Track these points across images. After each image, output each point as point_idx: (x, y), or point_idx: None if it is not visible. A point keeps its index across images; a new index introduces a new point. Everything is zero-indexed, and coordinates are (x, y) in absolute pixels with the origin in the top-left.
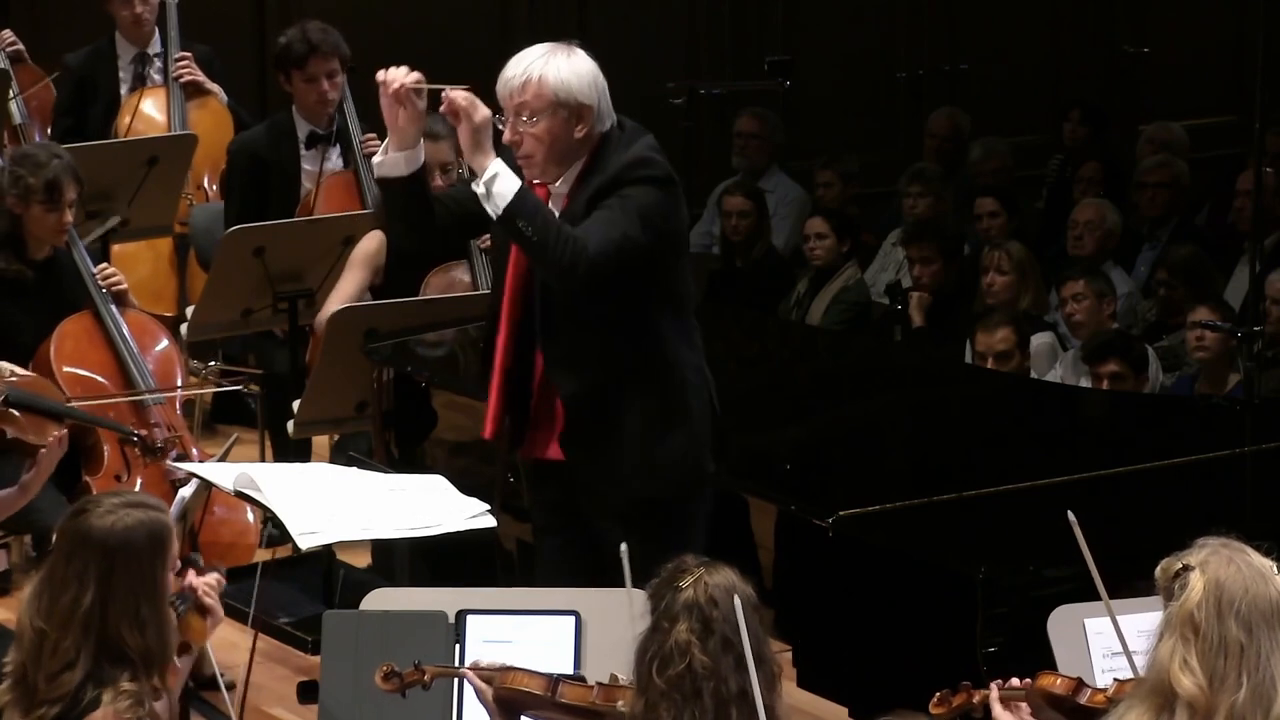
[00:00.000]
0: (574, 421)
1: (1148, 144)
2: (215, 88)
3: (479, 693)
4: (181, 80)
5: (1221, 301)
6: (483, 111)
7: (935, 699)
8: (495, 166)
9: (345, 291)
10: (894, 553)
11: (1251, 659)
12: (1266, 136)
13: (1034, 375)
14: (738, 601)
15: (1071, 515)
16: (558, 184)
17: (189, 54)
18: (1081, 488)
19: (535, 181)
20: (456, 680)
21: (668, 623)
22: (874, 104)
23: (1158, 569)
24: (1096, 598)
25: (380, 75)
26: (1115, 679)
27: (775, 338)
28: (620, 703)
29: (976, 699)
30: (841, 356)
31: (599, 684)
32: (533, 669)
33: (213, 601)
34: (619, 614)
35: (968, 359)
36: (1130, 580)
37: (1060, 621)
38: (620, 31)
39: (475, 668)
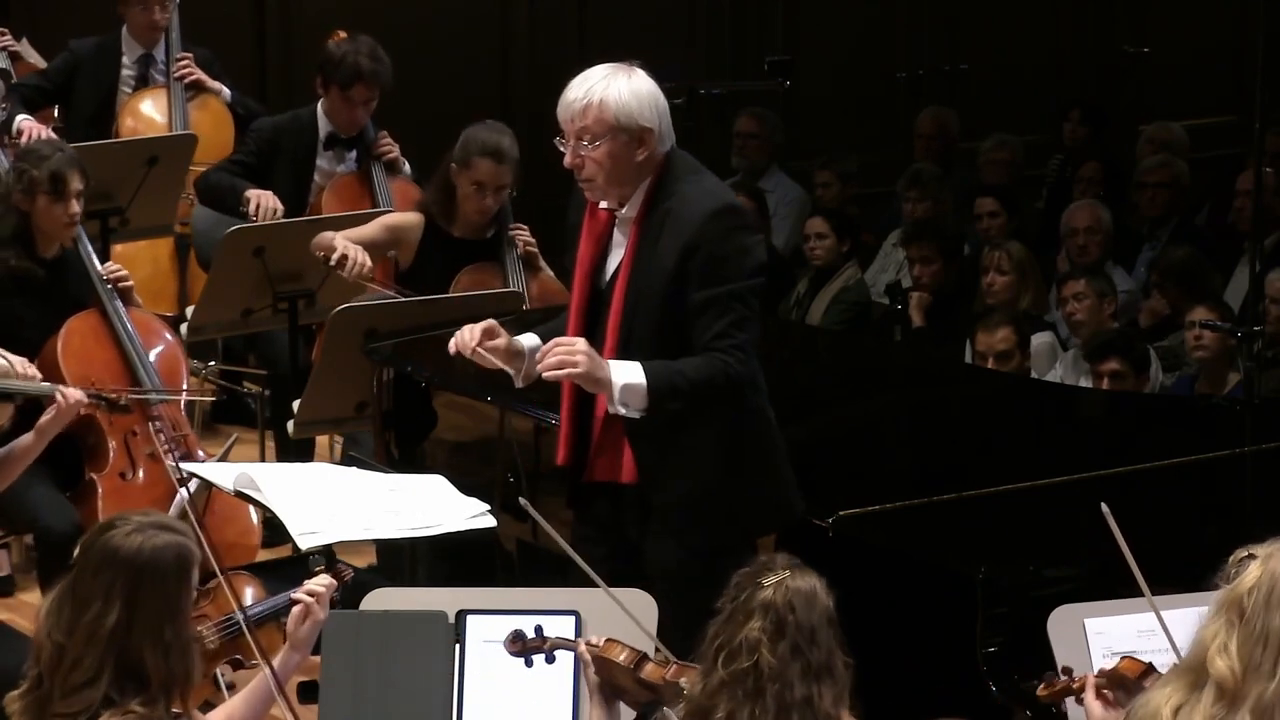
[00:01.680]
0: (645, 460)
1: (1148, 144)
2: (217, 85)
3: (585, 671)
4: (185, 81)
5: (1220, 301)
6: (588, 369)
7: (1042, 682)
8: (617, 379)
9: (357, 234)
10: (894, 553)
11: None
12: (1266, 136)
13: (1034, 375)
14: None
15: (1105, 507)
16: (624, 209)
17: (189, 55)
18: (1081, 488)
19: (601, 206)
20: (458, 681)
21: (742, 616)
22: (874, 104)
23: (1232, 556)
24: (1096, 597)
25: (452, 346)
26: (1174, 662)
27: (775, 338)
28: (684, 680)
29: (1076, 685)
30: (841, 356)
31: (676, 663)
32: (628, 644)
33: (316, 604)
34: (619, 614)
35: (968, 359)
36: (1130, 580)
37: (1060, 621)
38: (620, 31)
39: (588, 643)
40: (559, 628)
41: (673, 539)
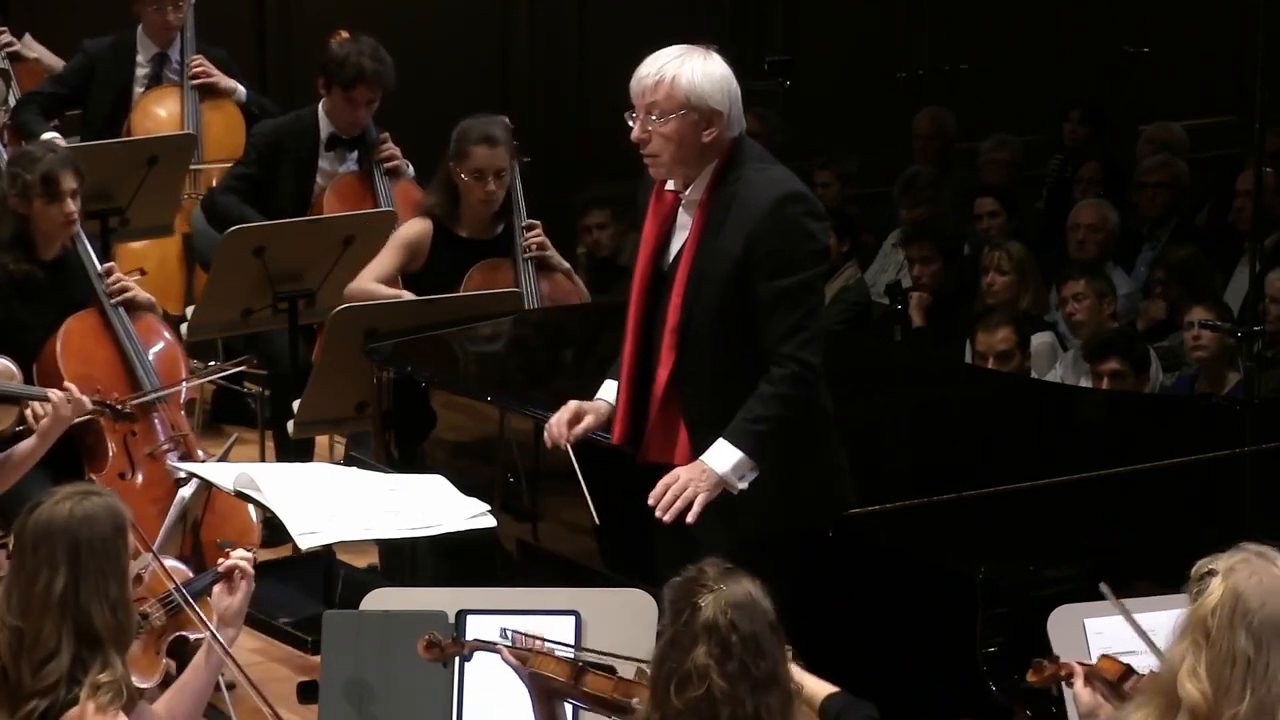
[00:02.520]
0: (702, 446)
1: (1148, 144)
2: (232, 84)
3: (516, 670)
4: (195, 82)
5: (1219, 301)
6: (708, 488)
7: (1032, 667)
8: (721, 469)
9: (378, 269)
10: (894, 553)
11: (1258, 672)
12: (1266, 136)
13: (1034, 375)
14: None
15: (1104, 586)
16: (688, 191)
17: (201, 54)
18: (1081, 488)
19: (667, 188)
20: (458, 681)
21: (688, 642)
22: (874, 104)
23: (1194, 568)
24: (1096, 597)
25: (548, 441)
26: (1151, 669)
27: None
28: (636, 699)
29: (1064, 672)
30: (841, 356)
31: (619, 678)
32: (561, 655)
33: (244, 576)
34: (619, 614)
35: (968, 359)
36: (1130, 580)
37: (1060, 621)
38: (620, 31)
39: (513, 645)
40: (559, 628)
41: (724, 526)
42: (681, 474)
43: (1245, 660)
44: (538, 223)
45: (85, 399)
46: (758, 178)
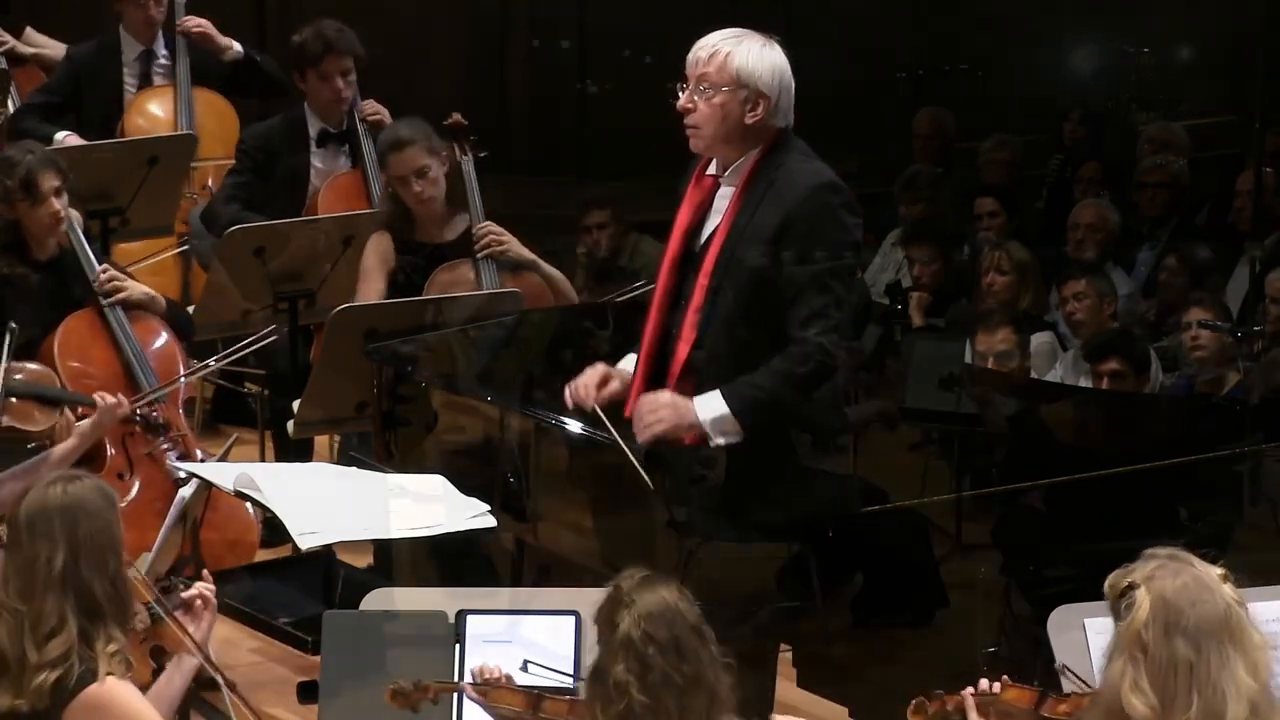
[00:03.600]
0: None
1: (1148, 144)
2: (228, 41)
3: (482, 706)
4: (191, 35)
5: (1217, 301)
6: (674, 421)
7: (912, 706)
8: (704, 416)
9: (375, 294)
10: (891, 551)
11: (1201, 675)
12: (1266, 136)
13: (1034, 375)
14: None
15: (1059, 665)
16: (726, 173)
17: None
18: (1081, 488)
19: (709, 172)
20: (458, 681)
21: (608, 659)
22: (874, 104)
23: (1106, 584)
24: (1096, 597)
25: (569, 400)
26: (1073, 691)
27: None
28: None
29: (951, 706)
30: None
31: (574, 700)
32: (517, 686)
33: (207, 606)
34: None
35: (968, 359)
36: None
37: (1060, 621)
38: (619, 31)
39: (475, 681)
40: (559, 628)
41: (724, 515)
42: (662, 396)
43: (1188, 665)
44: (488, 223)
45: (127, 406)
46: (798, 167)
